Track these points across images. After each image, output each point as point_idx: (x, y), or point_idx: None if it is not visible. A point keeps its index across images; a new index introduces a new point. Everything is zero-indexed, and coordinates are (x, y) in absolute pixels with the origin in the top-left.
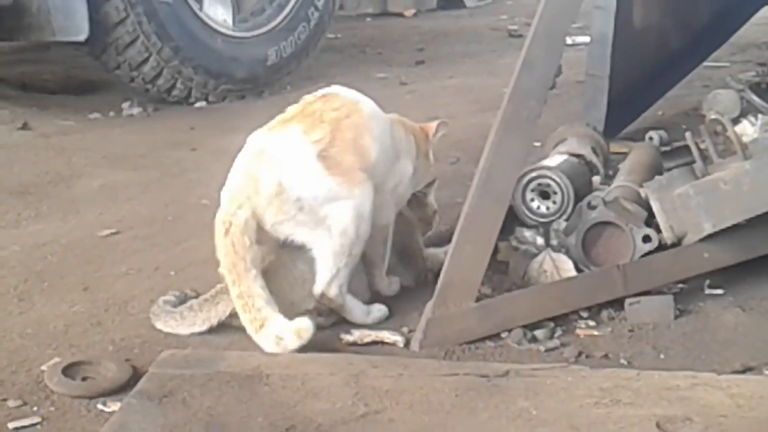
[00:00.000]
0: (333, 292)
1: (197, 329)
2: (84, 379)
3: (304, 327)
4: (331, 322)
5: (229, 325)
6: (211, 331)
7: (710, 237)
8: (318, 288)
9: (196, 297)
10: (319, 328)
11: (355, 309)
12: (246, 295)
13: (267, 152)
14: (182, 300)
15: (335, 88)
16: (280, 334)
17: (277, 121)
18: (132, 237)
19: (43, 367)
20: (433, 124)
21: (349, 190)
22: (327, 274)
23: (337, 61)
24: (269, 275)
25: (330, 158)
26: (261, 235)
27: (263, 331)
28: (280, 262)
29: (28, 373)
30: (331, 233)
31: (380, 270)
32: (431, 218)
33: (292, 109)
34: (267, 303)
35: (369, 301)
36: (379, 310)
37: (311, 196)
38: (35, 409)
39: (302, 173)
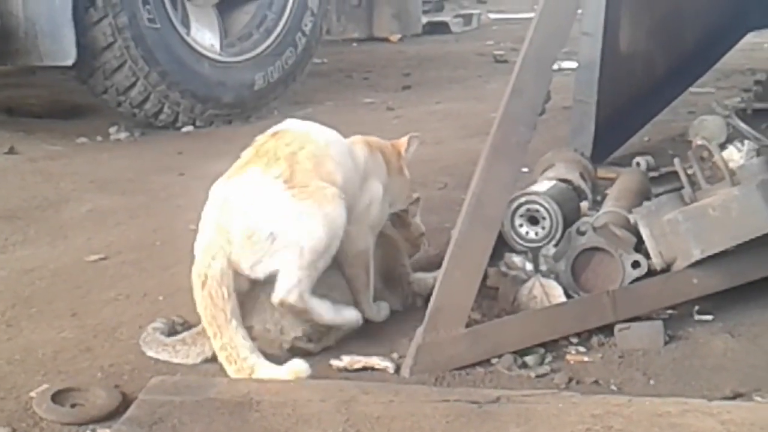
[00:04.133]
0: (293, 298)
1: (191, 361)
2: (73, 405)
3: (300, 368)
4: (320, 348)
5: None
6: None
7: (699, 263)
8: (276, 296)
9: (183, 324)
10: (308, 354)
11: (321, 307)
12: (229, 347)
13: (230, 200)
14: (170, 327)
15: (286, 124)
16: (276, 378)
17: (235, 167)
18: (120, 262)
19: (32, 394)
20: (404, 140)
21: (320, 206)
22: (287, 283)
23: (323, 86)
24: (258, 304)
25: (295, 187)
26: (241, 282)
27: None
28: (269, 291)
29: (17, 400)
30: (299, 247)
31: (366, 297)
32: (418, 239)
33: (246, 153)
34: (251, 351)
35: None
36: (350, 310)
37: (283, 226)
38: None
39: (271, 208)
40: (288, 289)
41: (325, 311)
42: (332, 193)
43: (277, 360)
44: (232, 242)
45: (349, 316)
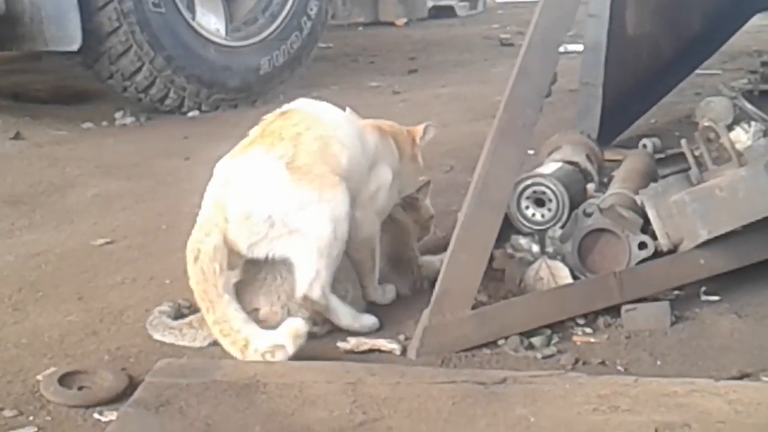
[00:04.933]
0: (316, 293)
1: (198, 345)
2: (80, 388)
3: (298, 326)
4: (326, 331)
5: None
6: None
7: (706, 244)
8: (300, 290)
9: (189, 307)
10: (314, 336)
11: (341, 310)
12: (222, 321)
13: (232, 179)
14: (176, 310)
15: (297, 103)
16: (275, 342)
17: (240, 146)
18: (126, 246)
19: (39, 377)
20: (420, 127)
21: (320, 194)
22: (307, 276)
23: (329, 70)
24: (265, 285)
25: (297, 169)
26: (236, 259)
27: (249, 350)
28: (276, 273)
29: (24, 383)
30: (307, 238)
31: (371, 281)
32: (427, 222)
33: (253, 132)
34: (245, 322)
35: (363, 310)
36: (369, 318)
37: (281, 211)
38: (31, 418)
39: (269, 191)
40: (309, 282)
41: (344, 316)
42: (333, 180)
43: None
44: (229, 220)
45: (366, 322)
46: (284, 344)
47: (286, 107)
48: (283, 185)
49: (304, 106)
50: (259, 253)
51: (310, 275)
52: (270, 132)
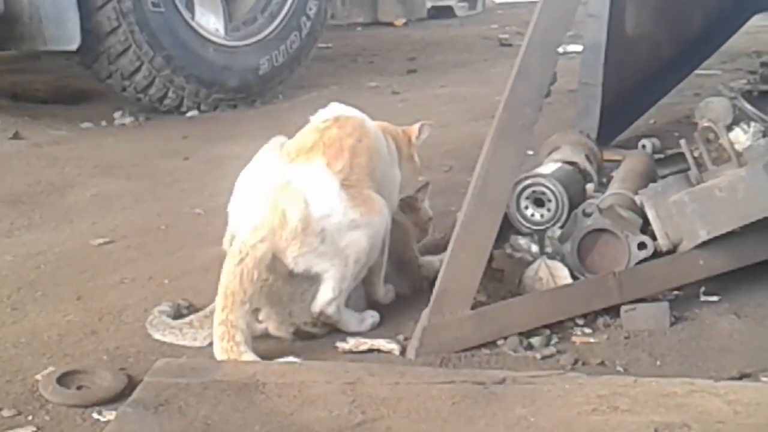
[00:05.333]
0: (331, 310)
1: (197, 344)
2: (79, 388)
3: None
4: (326, 331)
5: None
6: None
7: (705, 244)
8: (317, 307)
9: (188, 307)
10: (314, 337)
11: (351, 320)
12: (230, 325)
13: (293, 185)
14: (176, 310)
15: (339, 109)
16: None
17: (297, 149)
18: (125, 246)
19: (38, 377)
20: (415, 127)
21: (370, 218)
22: (329, 295)
23: (328, 70)
24: (266, 284)
25: (351, 187)
26: (280, 267)
27: None
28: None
29: (23, 383)
30: (347, 262)
31: (378, 279)
32: (426, 224)
33: (309, 137)
34: (246, 342)
35: (364, 310)
36: (371, 316)
37: (335, 229)
38: (30, 418)
39: (327, 207)
40: (328, 301)
41: (353, 323)
42: (379, 205)
43: (282, 343)
44: (285, 227)
45: (371, 322)
46: None
47: (333, 113)
48: (340, 203)
49: (351, 113)
50: (302, 265)
51: (333, 294)
52: (330, 142)
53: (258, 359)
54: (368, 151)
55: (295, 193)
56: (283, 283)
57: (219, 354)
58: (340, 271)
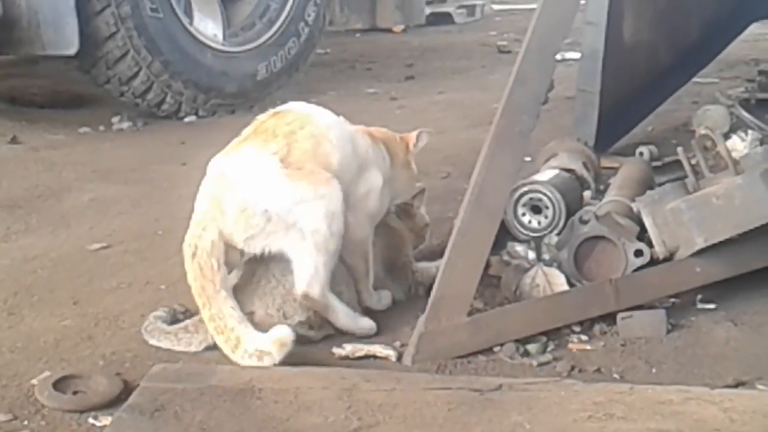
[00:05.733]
0: (315, 291)
1: (193, 349)
2: (75, 393)
3: (284, 335)
4: (322, 336)
5: None
6: None
7: (702, 251)
8: (299, 288)
9: (185, 312)
10: (310, 342)
11: (340, 310)
12: (217, 317)
13: (227, 174)
14: (172, 315)
15: (289, 105)
16: (260, 348)
17: (233, 143)
18: (122, 251)
19: (34, 381)
20: (413, 134)
21: (315, 190)
22: (305, 273)
23: (326, 76)
24: (260, 288)
25: (291, 165)
26: (233, 255)
27: (240, 349)
28: (270, 275)
29: (19, 387)
30: (303, 234)
31: (365, 285)
32: (423, 230)
33: (246, 131)
34: (239, 322)
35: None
36: (367, 321)
37: (277, 205)
38: (26, 423)
39: (265, 185)
40: (308, 280)
41: (342, 316)
42: (326, 176)
43: None
44: (225, 214)
45: (364, 325)
46: (270, 351)
47: (278, 108)
48: (279, 180)
49: (296, 107)
50: (256, 247)
51: (309, 272)
52: (263, 130)
53: (257, 334)
54: (313, 138)
55: (229, 180)
56: (269, 276)
57: (224, 348)
58: (303, 247)
